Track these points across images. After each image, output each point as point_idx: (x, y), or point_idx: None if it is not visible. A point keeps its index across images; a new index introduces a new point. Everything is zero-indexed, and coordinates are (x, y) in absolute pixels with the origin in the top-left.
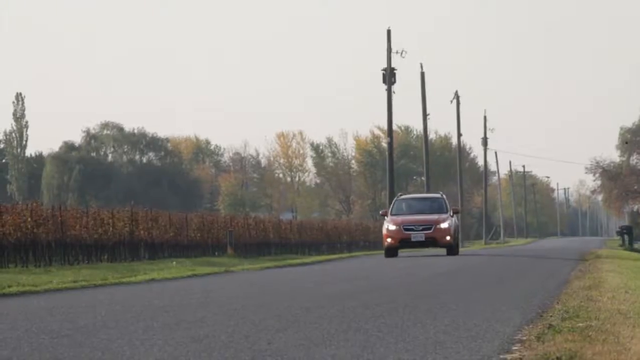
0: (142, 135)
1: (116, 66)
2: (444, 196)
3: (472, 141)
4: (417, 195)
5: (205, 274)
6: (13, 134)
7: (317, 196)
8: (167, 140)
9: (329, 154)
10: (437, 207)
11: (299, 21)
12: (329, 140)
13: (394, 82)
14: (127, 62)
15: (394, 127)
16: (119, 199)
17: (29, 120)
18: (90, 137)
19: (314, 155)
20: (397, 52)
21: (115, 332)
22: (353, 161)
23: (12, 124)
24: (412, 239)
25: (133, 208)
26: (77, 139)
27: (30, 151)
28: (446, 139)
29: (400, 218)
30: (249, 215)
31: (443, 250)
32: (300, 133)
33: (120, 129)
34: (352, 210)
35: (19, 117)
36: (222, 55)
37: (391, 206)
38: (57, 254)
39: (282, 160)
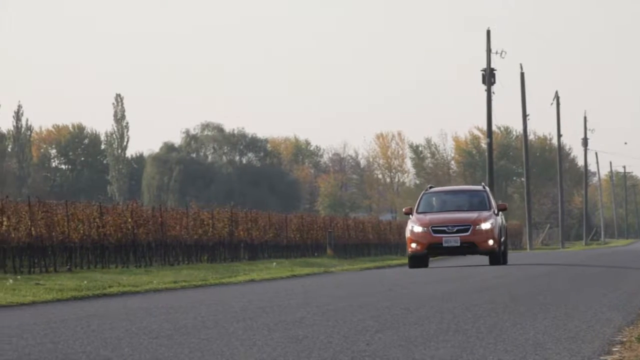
0: (242, 136)
1: (215, 67)
2: (487, 189)
3: (571, 142)
4: (451, 188)
5: (305, 275)
6: (114, 135)
7: (417, 197)
8: (267, 141)
9: (428, 155)
10: (478, 202)
11: (398, 21)
12: (428, 141)
13: (494, 82)
14: (227, 63)
15: (494, 128)
16: (218, 200)
17: (129, 121)
18: (190, 137)
19: (413, 156)
20: (496, 53)
21: (215, 332)
22: (452, 162)
23: (112, 125)
24: (444, 244)
25: (233, 209)
26: (177, 139)
27: (130, 152)
28: (546, 140)
29: (428, 217)
30: (348, 216)
31: (484, 259)
32: (400, 134)
33: (220, 130)
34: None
35: (119, 118)
36: (319, 56)
37: (418, 202)
38: (158, 255)
39: (381, 161)
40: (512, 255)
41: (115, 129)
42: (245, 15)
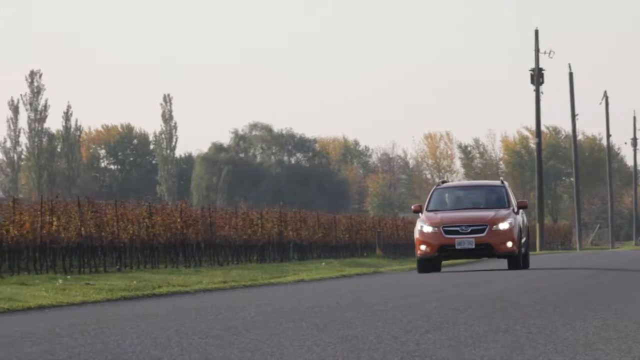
0: (291, 136)
1: (265, 67)
2: (506, 184)
3: (621, 141)
4: (465, 183)
5: (354, 275)
6: (162, 135)
7: None
8: (315, 141)
9: (477, 155)
10: (496, 199)
11: (447, 20)
12: (477, 141)
13: (542, 82)
14: (276, 63)
15: (542, 128)
16: (267, 200)
17: (178, 121)
18: (238, 138)
19: (462, 156)
20: (545, 53)
21: (265, 332)
22: (501, 162)
23: (161, 125)
24: (457, 246)
25: (281, 209)
26: (226, 140)
27: (179, 152)
28: (595, 140)
29: (439, 215)
30: (397, 216)
31: (500, 263)
32: (448, 134)
33: (269, 130)
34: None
35: (167, 118)
36: (367, 56)
37: (428, 198)
38: (207, 255)
39: (430, 161)
40: (558, 256)
41: (164, 129)
42: (294, 15)
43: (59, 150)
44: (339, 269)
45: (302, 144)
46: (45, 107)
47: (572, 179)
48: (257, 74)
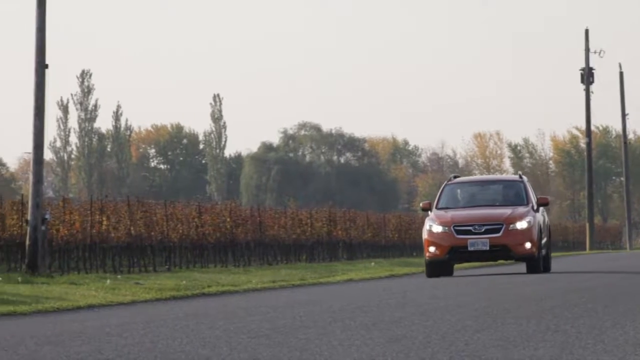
0: (340, 135)
1: (313, 67)
2: (525, 179)
3: None
4: (480, 178)
5: (403, 275)
6: (212, 135)
7: None
8: (365, 140)
9: (527, 155)
10: (513, 195)
11: (497, 21)
12: (526, 140)
13: (592, 82)
14: (324, 62)
15: (592, 128)
16: (316, 199)
17: (227, 121)
18: (288, 137)
19: (512, 155)
20: (595, 52)
21: (314, 332)
22: (551, 161)
23: (210, 125)
24: (469, 247)
25: (331, 208)
26: (275, 139)
27: (229, 152)
28: None
29: (450, 214)
30: None
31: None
32: (498, 133)
33: (318, 129)
34: (550, 211)
35: (217, 118)
36: (417, 55)
37: (438, 194)
38: (256, 254)
39: (479, 161)
40: (608, 256)
41: (214, 128)
42: (343, 15)
43: (108, 149)
44: (388, 268)
45: (351, 143)
46: (96, 106)
47: (622, 178)
48: (307, 74)
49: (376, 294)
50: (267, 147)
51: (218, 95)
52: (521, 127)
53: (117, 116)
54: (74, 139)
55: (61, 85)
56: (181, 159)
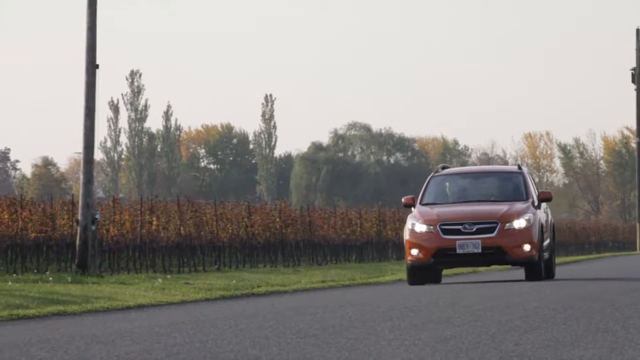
0: (390, 135)
1: (363, 66)
2: (525, 170)
3: None
4: (472, 169)
5: (453, 274)
6: (262, 135)
7: (566, 197)
8: (414, 140)
9: (577, 155)
10: (511, 189)
11: (548, 20)
12: (577, 140)
13: None
14: (374, 62)
15: None
16: (366, 200)
17: (278, 121)
18: (337, 137)
19: (562, 155)
20: None
21: (363, 332)
22: (601, 161)
23: (260, 125)
24: (458, 250)
25: (380, 208)
26: (325, 139)
27: (278, 152)
28: None
29: (436, 210)
30: None
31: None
32: (548, 133)
33: (368, 129)
34: (600, 211)
35: (267, 118)
36: (468, 55)
37: (423, 188)
38: (306, 254)
39: (529, 161)
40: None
41: (264, 128)
42: (393, 15)
43: (159, 149)
44: None
45: (401, 143)
46: (146, 106)
47: None
48: (357, 74)
49: (425, 294)
50: (317, 147)
51: (270, 95)
52: (572, 127)
53: (167, 116)
54: (124, 139)
55: (112, 86)
56: (231, 159)
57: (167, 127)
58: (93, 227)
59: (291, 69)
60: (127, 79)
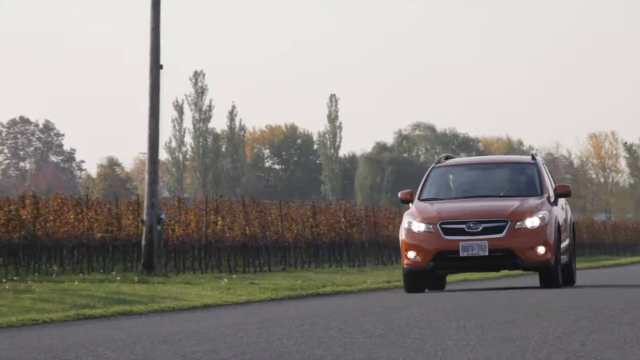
0: (454, 135)
1: (427, 66)
2: (540, 160)
3: None
4: (478, 159)
5: (518, 275)
6: (326, 135)
7: (631, 197)
8: (479, 140)
9: None
10: (524, 183)
11: (610, 19)
12: None
13: None
14: (439, 63)
15: None
16: None
17: (342, 121)
18: (402, 137)
19: (627, 155)
20: None
21: (428, 332)
22: None
23: (325, 125)
24: (462, 253)
25: None
26: (389, 139)
27: (343, 152)
28: None
29: (436, 207)
30: None
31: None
32: (613, 133)
33: (432, 129)
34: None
35: (332, 118)
36: (532, 55)
37: (422, 181)
38: (371, 254)
39: (594, 161)
40: None
41: (328, 128)
42: (456, 15)
43: (223, 150)
44: None
45: (465, 143)
46: (210, 107)
47: None
48: (421, 74)
49: (491, 294)
50: (381, 147)
51: (334, 95)
52: (637, 126)
53: (231, 116)
54: (188, 139)
55: (177, 86)
56: (295, 159)
57: (231, 128)
58: (158, 227)
59: (356, 69)
60: (190, 80)
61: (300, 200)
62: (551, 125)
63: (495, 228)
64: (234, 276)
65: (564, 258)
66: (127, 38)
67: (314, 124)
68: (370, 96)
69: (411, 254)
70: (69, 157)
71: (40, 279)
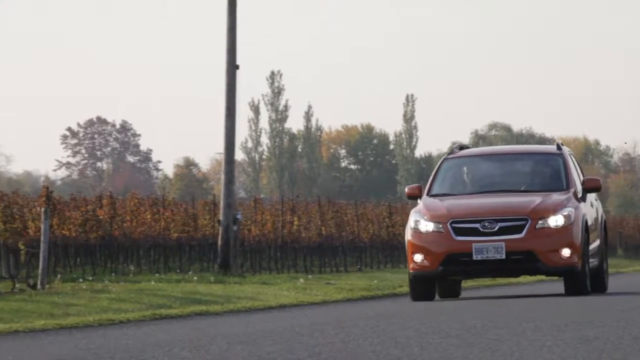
0: (530, 135)
1: (503, 65)
2: (566, 150)
3: None
4: (496, 149)
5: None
6: (402, 135)
7: None
8: (555, 140)
9: None
10: (548, 176)
11: None
12: None
13: None
14: (513, 63)
15: None
16: None
17: (418, 121)
18: (478, 137)
19: None
20: None
21: (504, 332)
22: None
23: (402, 125)
24: (476, 256)
25: None
26: (465, 139)
27: (419, 152)
28: None
29: (447, 203)
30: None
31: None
32: None
33: (508, 129)
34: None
35: (408, 118)
36: (608, 55)
37: (433, 174)
38: None
39: None
40: None
41: (405, 128)
42: (533, 15)
43: (299, 150)
44: None
45: (541, 143)
46: (286, 107)
47: None
48: (497, 74)
49: (568, 294)
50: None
51: (411, 95)
52: None
53: (308, 117)
54: (265, 139)
55: (252, 86)
56: (371, 159)
57: (307, 128)
58: (235, 227)
59: (432, 69)
60: (267, 80)
61: (376, 201)
62: (629, 125)
63: (513, 227)
64: (309, 276)
65: (594, 261)
66: (204, 38)
67: (390, 124)
68: (447, 96)
69: (418, 257)
70: (146, 157)
71: (117, 279)
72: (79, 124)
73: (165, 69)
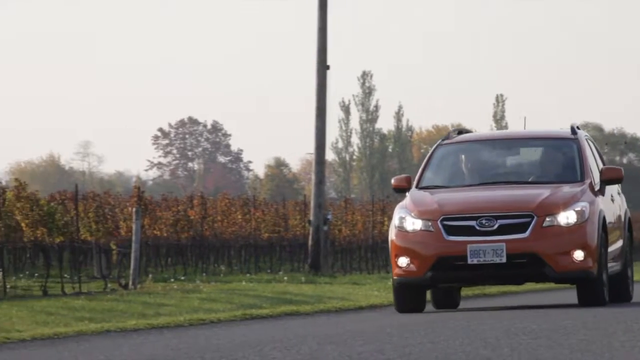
0: (622, 135)
1: (592, 65)
2: (582, 134)
3: None
4: (498, 134)
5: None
6: None
7: None
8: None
9: None
10: (560, 164)
11: None
12: None
13: None
14: (603, 62)
15: None
16: None
17: (508, 121)
18: None
19: None
20: None
21: (595, 333)
22: None
23: (491, 125)
24: (471, 259)
25: None
26: None
27: None
28: None
29: (437, 197)
30: None
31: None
32: None
33: (599, 129)
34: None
35: (498, 118)
36: None
37: (424, 163)
38: None
39: None
40: None
41: (495, 128)
42: (624, 12)
43: (390, 150)
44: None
45: (634, 143)
46: (377, 107)
47: None
48: (587, 72)
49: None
50: None
51: (501, 95)
52: None
53: (398, 117)
54: (355, 139)
55: (343, 86)
56: None
57: (398, 128)
58: (325, 228)
59: (522, 68)
60: (358, 80)
61: None
62: None
63: (516, 226)
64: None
65: (614, 266)
66: (295, 38)
67: (480, 124)
68: (536, 96)
69: (403, 261)
70: (237, 157)
71: (208, 279)
72: (170, 125)
73: (256, 69)
